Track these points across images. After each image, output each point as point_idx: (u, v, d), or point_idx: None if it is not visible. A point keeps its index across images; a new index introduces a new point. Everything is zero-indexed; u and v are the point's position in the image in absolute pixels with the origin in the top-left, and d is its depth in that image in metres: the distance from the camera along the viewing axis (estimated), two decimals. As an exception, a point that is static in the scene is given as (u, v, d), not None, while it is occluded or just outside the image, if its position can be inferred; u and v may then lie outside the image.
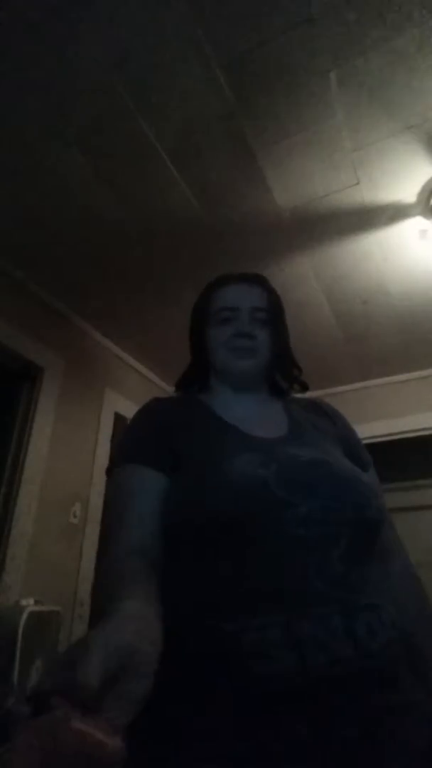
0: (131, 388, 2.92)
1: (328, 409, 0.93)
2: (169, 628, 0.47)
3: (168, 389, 3.19)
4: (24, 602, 1.85)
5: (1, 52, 1.38)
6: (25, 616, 1.74)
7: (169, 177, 1.76)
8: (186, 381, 0.96)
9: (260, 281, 0.94)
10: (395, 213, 1.90)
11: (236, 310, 0.88)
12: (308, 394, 0.96)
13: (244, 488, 0.65)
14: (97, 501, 2.47)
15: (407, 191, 1.80)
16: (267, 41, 1.35)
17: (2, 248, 2.11)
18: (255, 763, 0.53)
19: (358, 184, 1.78)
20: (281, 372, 0.94)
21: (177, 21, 1.30)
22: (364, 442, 0.91)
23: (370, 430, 2.87)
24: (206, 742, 0.56)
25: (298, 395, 0.97)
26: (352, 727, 0.54)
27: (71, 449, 2.40)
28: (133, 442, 0.80)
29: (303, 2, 1.26)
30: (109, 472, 0.77)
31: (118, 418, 2.75)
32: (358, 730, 0.54)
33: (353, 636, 0.57)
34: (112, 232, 2.02)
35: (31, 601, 1.87)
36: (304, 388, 0.95)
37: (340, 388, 3.10)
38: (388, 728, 0.56)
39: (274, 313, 0.91)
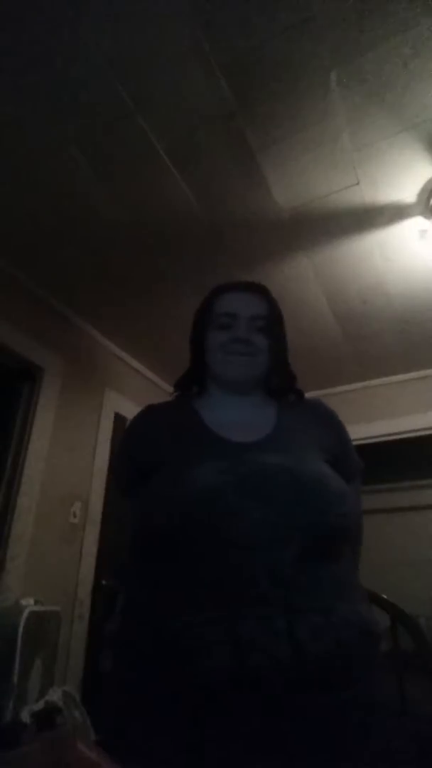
0: (131, 388, 2.92)
1: (325, 414, 0.93)
2: (127, 622, 0.52)
3: (168, 389, 3.18)
4: (24, 602, 1.85)
5: (0, 52, 1.38)
6: (25, 616, 1.74)
7: (169, 177, 1.76)
8: (184, 383, 0.98)
9: (261, 290, 0.95)
10: (395, 213, 1.90)
11: (235, 317, 0.89)
12: (308, 394, 0.96)
13: (200, 495, 0.69)
14: (97, 501, 2.47)
15: (407, 191, 1.80)
16: (267, 41, 1.35)
17: (2, 248, 2.11)
18: (193, 753, 0.57)
19: (358, 184, 1.78)
20: (276, 380, 0.94)
21: (177, 21, 1.31)
22: (364, 442, 0.91)
23: (370, 430, 2.87)
24: (154, 728, 0.60)
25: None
26: (286, 725, 0.57)
27: (71, 449, 2.40)
28: (118, 474, 0.92)
29: (303, 2, 1.26)
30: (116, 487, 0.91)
31: (118, 418, 2.74)
32: (291, 728, 0.57)
33: (295, 638, 0.58)
34: (111, 232, 2.01)
35: (31, 601, 1.88)
36: (300, 396, 0.95)
37: (340, 388, 3.10)
38: (324, 726, 0.58)
39: (272, 322, 0.91)
